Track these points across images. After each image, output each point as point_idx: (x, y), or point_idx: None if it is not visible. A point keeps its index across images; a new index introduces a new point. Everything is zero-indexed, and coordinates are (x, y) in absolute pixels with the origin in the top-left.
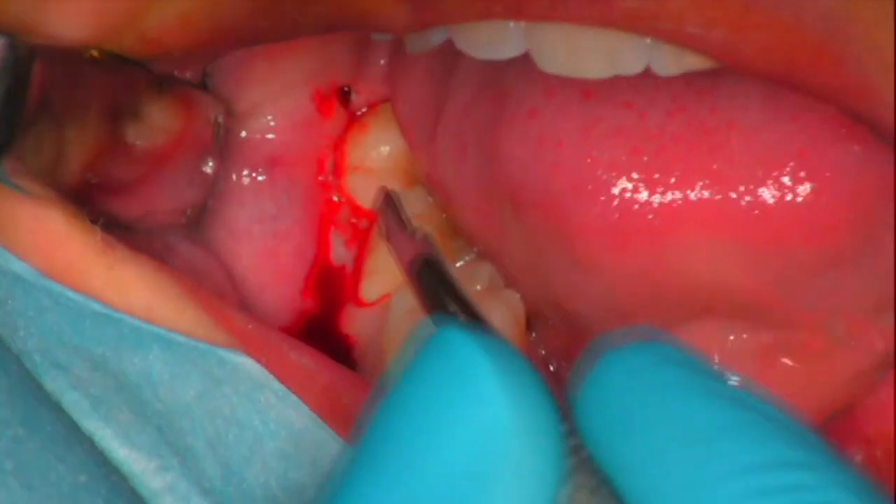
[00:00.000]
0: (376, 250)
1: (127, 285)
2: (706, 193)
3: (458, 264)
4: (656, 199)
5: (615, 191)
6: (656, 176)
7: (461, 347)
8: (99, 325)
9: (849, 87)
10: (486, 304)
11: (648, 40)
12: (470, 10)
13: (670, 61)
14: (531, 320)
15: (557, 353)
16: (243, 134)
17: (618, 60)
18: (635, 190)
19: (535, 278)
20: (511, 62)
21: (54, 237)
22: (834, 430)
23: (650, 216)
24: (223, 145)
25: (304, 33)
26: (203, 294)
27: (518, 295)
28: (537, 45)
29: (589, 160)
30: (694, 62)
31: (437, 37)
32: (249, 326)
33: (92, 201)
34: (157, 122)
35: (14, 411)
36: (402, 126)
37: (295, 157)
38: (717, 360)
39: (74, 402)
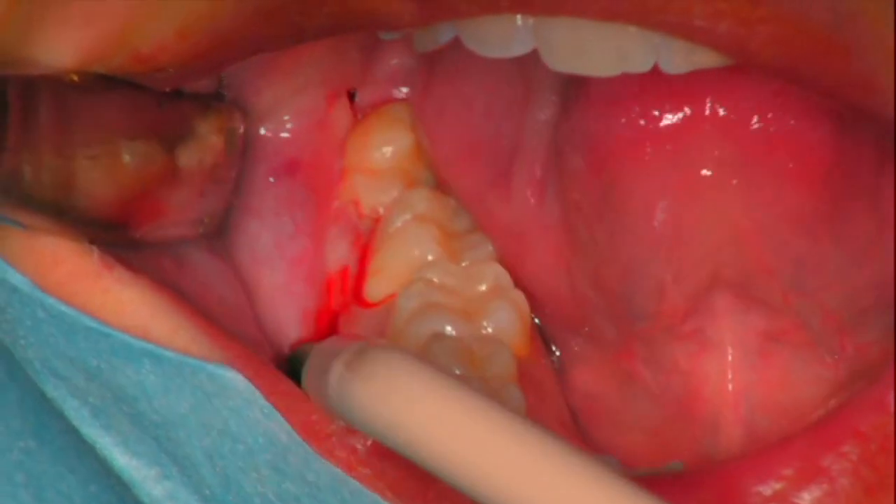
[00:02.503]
0: (381, 250)
1: (123, 306)
2: (714, 109)
3: (462, 264)
4: (672, 116)
5: (637, 110)
6: (672, 92)
7: None
8: (91, 338)
9: (855, 81)
10: (492, 304)
11: (657, 38)
12: (477, 5)
13: (679, 59)
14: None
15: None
16: (262, 132)
17: (626, 58)
18: (655, 107)
19: (594, 287)
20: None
21: (44, 260)
22: (828, 425)
23: (666, 131)
24: (240, 153)
25: (308, 38)
26: (200, 314)
27: (524, 296)
28: (545, 42)
29: (616, 93)
30: (703, 60)
31: (444, 35)
32: (245, 349)
33: (96, 222)
34: (206, 141)
35: (25, 422)
36: (447, 167)
37: (311, 160)
38: (730, 352)
39: (75, 410)
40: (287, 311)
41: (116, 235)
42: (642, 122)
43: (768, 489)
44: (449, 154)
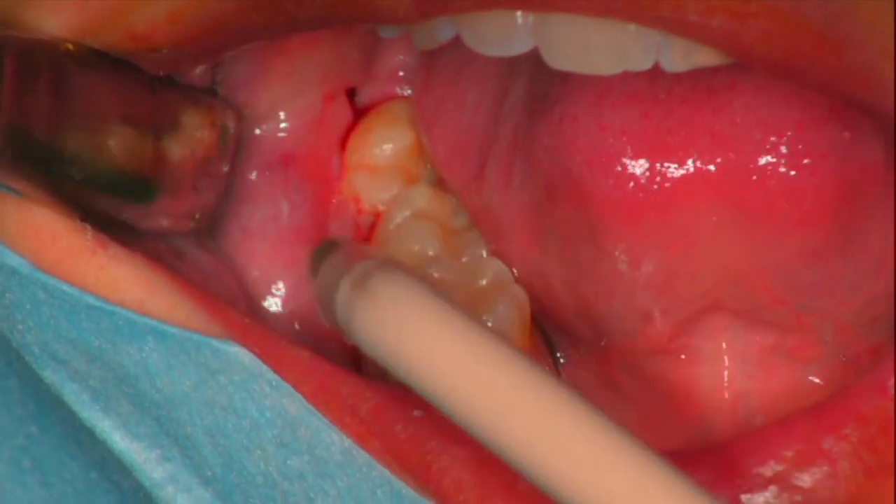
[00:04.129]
0: (381, 247)
1: (119, 283)
2: (710, 158)
3: (462, 260)
4: (666, 165)
5: (627, 160)
6: (666, 139)
7: None
8: (93, 317)
9: (850, 74)
10: (491, 300)
11: (657, 36)
12: (471, 0)
13: (679, 57)
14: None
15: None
16: (257, 132)
17: (626, 56)
18: (646, 157)
19: (571, 294)
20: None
21: (42, 235)
22: (829, 408)
23: (660, 184)
24: (235, 146)
25: (301, 28)
26: (197, 290)
27: (524, 291)
28: (545, 40)
29: (602, 129)
30: (703, 58)
31: (444, 33)
32: (245, 321)
33: (88, 202)
34: (190, 128)
35: (26, 409)
36: (445, 161)
37: (307, 156)
38: (727, 361)
39: (74, 394)
40: (282, 283)
41: (107, 216)
42: (630, 165)
43: (768, 470)
44: (443, 150)
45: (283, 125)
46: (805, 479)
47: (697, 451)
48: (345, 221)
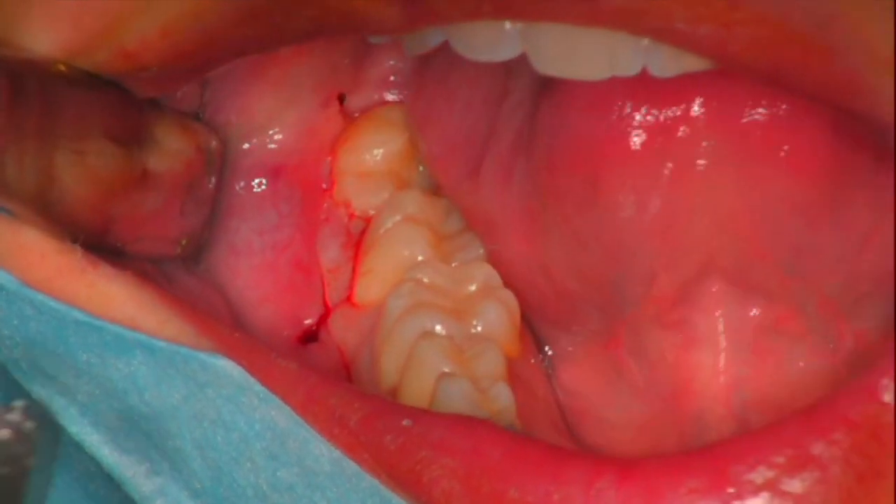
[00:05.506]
0: (371, 251)
1: (109, 300)
2: (704, 101)
3: (453, 264)
4: (661, 109)
5: (625, 105)
6: (662, 86)
7: None
8: (81, 333)
9: (838, 82)
10: (481, 303)
11: (646, 41)
12: (460, 10)
13: (668, 63)
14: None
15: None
16: (245, 146)
17: (614, 62)
18: (644, 104)
19: (576, 277)
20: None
21: (30, 253)
22: (818, 412)
23: (655, 124)
24: (220, 170)
25: (291, 41)
26: (186, 306)
27: (513, 295)
28: (533, 46)
29: (600, 85)
30: (691, 63)
31: (433, 39)
32: (234, 335)
33: (76, 226)
34: (171, 145)
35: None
36: (435, 163)
37: (298, 164)
38: (723, 342)
39: (62, 409)
40: (269, 301)
41: (97, 241)
42: (630, 114)
43: (759, 477)
44: (436, 150)
45: (275, 136)
46: (796, 486)
47: (687, 457)
48: (335, 227)
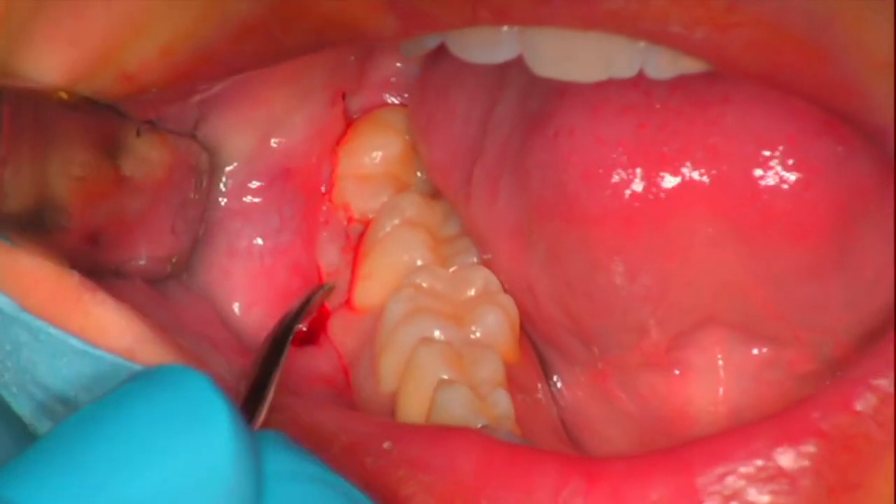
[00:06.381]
0: (370, 255)
1: (105, 331)
2: (704, 171)
3: (451, 269)
4: (661, 177)
5: (623, 171)
6: (661, 151)
7: (195, 381)
8: (74, 363)
9: (835, 85)
10: (480, 309)
11: (642, 44)
12: (456, 17)
13: (665, 65)
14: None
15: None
16: (251, 147)
17: (611, 64)
18: (641, 168)
19: (561, 310)
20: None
21: (25, 280)
22: (788, 422)
23: (655, 195)
24: (206, 194)
25: (289, 56)
26: (184, 345)
27: (512, 300)
28: (531, 48)
29: (598, 141)
30: (689, 65)
31: (430, 41)
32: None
33: (72, 248)
34: (147, 155)
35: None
36: (437, 171)
37: (303, 167)
38: (722, 375)
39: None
40: (263, 304)
41: (92, 262)
42: (626, 179)
43: (726, 488)
44: (436, 159)
45: (283, 137)
46: (764, 497)
47: (655, 464)
48: (334, 230)
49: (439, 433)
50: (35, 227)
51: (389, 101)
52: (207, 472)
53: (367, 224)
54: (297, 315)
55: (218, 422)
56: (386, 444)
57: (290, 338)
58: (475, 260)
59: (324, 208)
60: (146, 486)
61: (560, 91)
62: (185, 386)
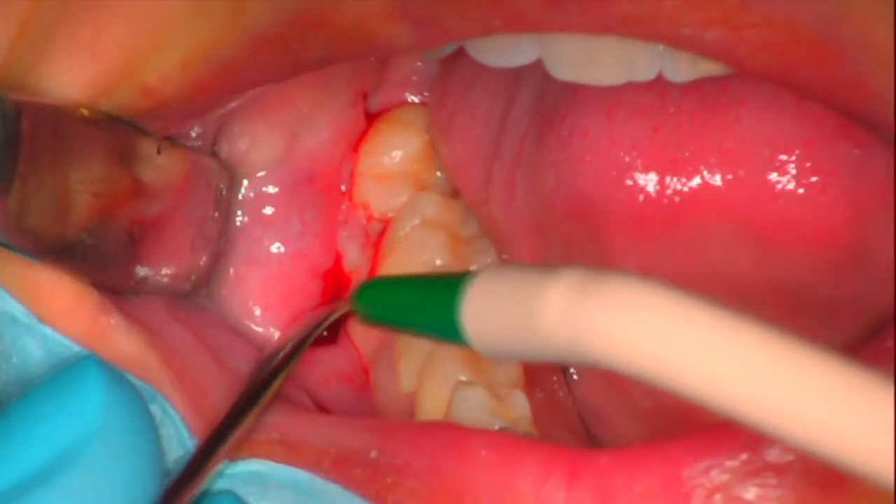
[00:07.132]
0: (390, 255)
1: (117, 358)
2: (720, 174)
3: (471, 268)
4: (675, 180)
5: (637, 174)
6: (675, 154)
7: (86, 361)
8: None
9: (849, 85)
10: None
11: (661, 47)
12: (471, 27)
13: (683, 68)
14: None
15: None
16: (275, 152)
17: (630, 67)
18: (656, 171)
19: None
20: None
21: (41, 295)
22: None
23: (670, 198)
24: (225, 212)
25: (306, 69)
26: (189, 383)
27: None
28: (549, 52)
29: (613, 143)
30: (707, 68)
31: (449, 47)
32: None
33: (90, 264)
34: (167, 171)
35: None
36: (456, 172)
37: (326, 170)
38: None
39: None
40: (283, 306)
41: (111, 279)
42: (641, 180)
43: (712, 482)
44: (456, 160)
45: (307, 139)
46: (750, 492)
47: (640, 457)
48: (354, 229)
49: (421, 431)
50: (55, 242)
51: (410, 99)
52: (83, 428)
53: (386, 223)
54: (294, 350)
55: (91, 384)
56: (373, 453)
57: (288, 366)
58: (493, 260)
59: (343, 207)
60: (35, 454)
61: (574, 92)
62: (78, 367)
